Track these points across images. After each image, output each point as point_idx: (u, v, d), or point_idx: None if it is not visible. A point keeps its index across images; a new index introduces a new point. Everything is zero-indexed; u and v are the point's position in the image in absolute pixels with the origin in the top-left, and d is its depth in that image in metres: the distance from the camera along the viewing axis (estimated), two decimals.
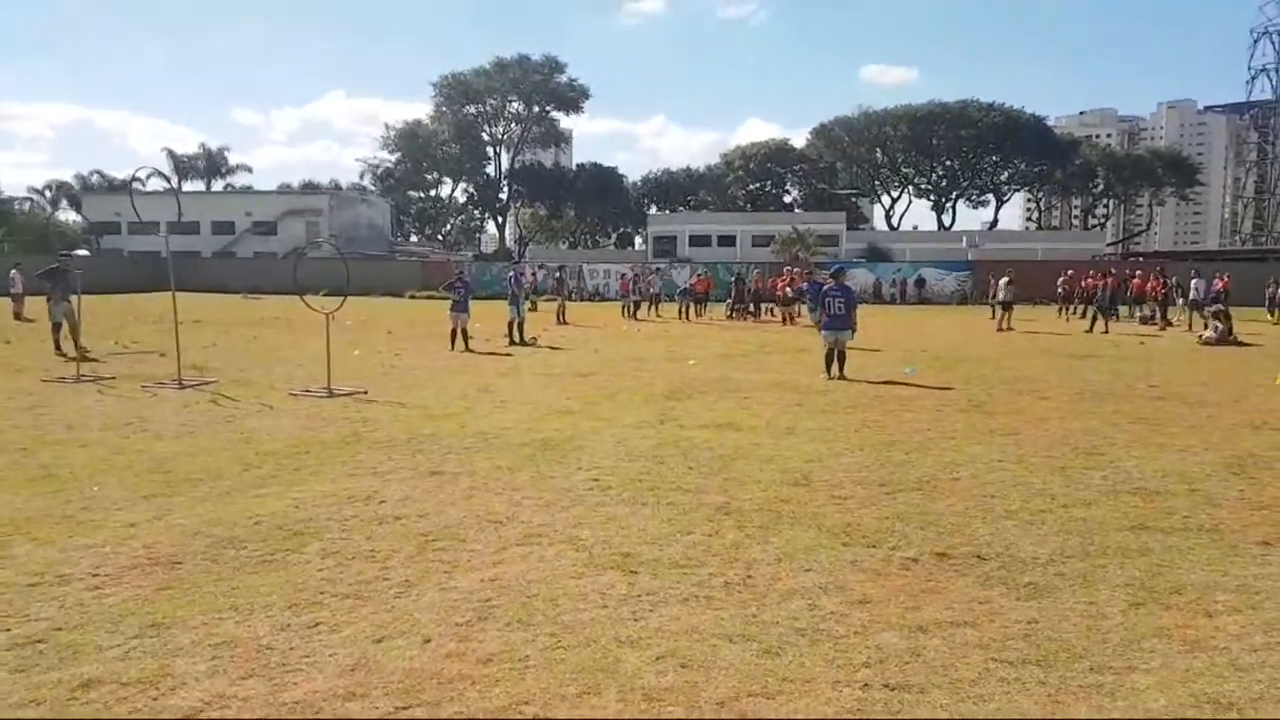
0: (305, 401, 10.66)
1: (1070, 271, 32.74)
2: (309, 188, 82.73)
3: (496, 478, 6.91)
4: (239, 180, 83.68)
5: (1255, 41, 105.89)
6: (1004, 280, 25.60)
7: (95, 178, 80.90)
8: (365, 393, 11.30)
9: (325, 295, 15.47)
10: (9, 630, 3.98)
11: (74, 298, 15.01)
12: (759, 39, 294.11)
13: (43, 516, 5.74)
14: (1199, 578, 4.80)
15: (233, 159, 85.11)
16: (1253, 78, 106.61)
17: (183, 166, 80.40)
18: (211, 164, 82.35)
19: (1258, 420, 9.81)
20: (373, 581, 4.63)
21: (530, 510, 6.00)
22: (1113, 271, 27.34)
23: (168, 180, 19.32)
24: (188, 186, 77.90)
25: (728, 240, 64.16)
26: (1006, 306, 24.97)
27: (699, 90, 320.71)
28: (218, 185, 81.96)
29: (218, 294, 40.25)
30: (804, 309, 26.06)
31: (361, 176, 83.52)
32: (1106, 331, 23.18)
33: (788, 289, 28.81)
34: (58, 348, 15.35)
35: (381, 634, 3.97)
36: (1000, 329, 24.07)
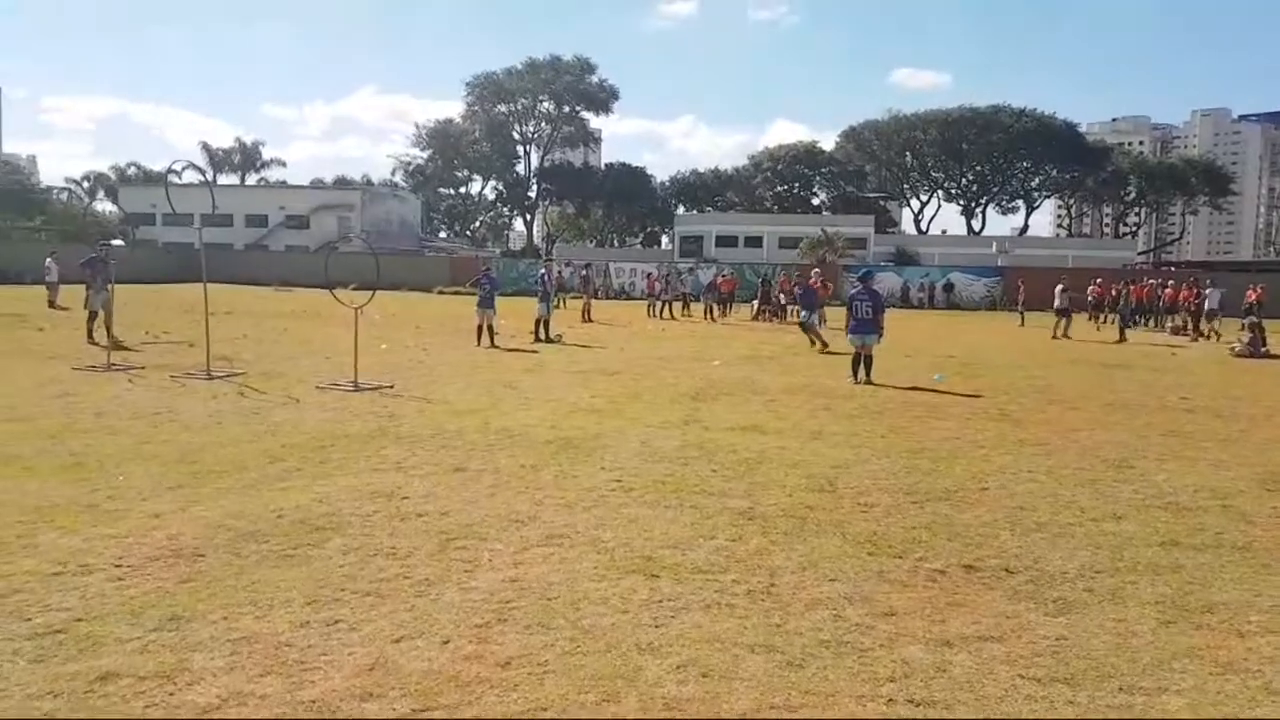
0: (332, 395, 10.72)
1: (1100, 280, 32.29)
2: (341, 183, 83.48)
3: (520, 476, 6.90)
4: (273, 174, 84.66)
5: None
6: (1059, 288, 25.14)
7: (132, 170, 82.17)
8: (391, 387, 11.35)
9: (355, 289, 15.58)
10: (30, 620, 4.00)
11: (110, 287, 15.23)
12: (789, 41, 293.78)
13: (69, 504, 5.79)
14: (1231, 596, 4.68)
15: (267, 154, 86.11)
16: None
17: (218, 160, 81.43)
18: (246, 158, 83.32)
19: None
20: (393, 579, 4.62)
21: (553, 510, 5.98)
22: (1133, 282, 26.98)
23: (203, 173, 19.54)
24: (223, 180, 78.89)
25: (754, 241, 63.93)
26: (1063, 314, 24.45)
27: (728, 91, 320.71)
28: (252, 179, 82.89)
29: (249, 286, 40.70)
30: (800, 311, 26.08)
31: (393, 173, 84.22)
32: (1122, 340, 22.86)
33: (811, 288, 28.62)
34: (90, 336, 15.57)
35: (400, 633, 3.95)
36: (1055, 336, 23.69)
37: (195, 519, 5.56)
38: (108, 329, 14.74)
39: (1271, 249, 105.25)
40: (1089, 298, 31.25)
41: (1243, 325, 21.14)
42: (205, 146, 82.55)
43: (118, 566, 4.70)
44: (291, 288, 40.71)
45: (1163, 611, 4.45)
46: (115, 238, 63.14)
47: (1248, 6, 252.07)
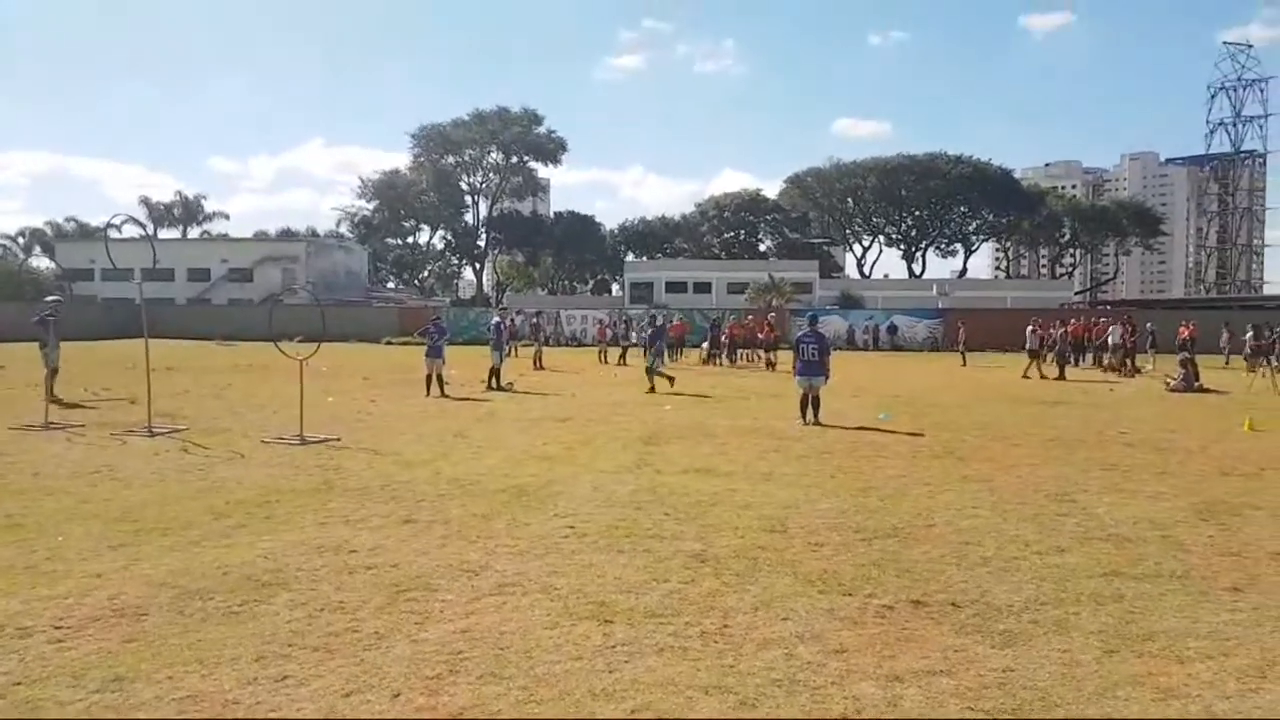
0: (277, 449, 10.54)
1: (1040, 320, 33.21)
2: (286, 235, 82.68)
3: (471, 525, 6.84)
4: (215, 228, 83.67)
5: (1212, 96, 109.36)
6: (1029, 328, 25.47)
7: (70, 225, 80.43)
8: (338, 440, 11.19)
9: (300, 341, 15.36)
10: None
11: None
12: (734, 92, 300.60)
13: (6, 567, 5.60)
14: (1171, 624, 4.83)
15: (210, 206, 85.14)
16: (1211, 131, 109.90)
17: (159, 214, 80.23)
18: (188, 211, 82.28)
19: (1226, 466, 9.95)
20: (342, 633, 4.54)
21: (505, 559, 5.94)
22: (1071, 321, 27.81)
23: (143, 227, 19.23)
24: (164, 234, 77.65)
25: (704, 287, 64.79)
26: (1034, 354, 24.70)
27: (676, 141, 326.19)
28: (194, 232, 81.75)
29: (192, 341, 39.88)
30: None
31: (338, 225, 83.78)
32: (1061, 377, 23.44)
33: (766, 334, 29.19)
34: (50, 392, 15.15)
35: (350, 687, 3.89)
36: (1025, 375, 23.93)
37: (138, 578, 5.41)
38: (49, 386, 14.35)
39: (1201, 287, 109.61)
40: (1047, 339, 31.97)
41: (1177, 361, 21.91)
42: (145, 200, 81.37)
43: (58, 628, 4.55)
44: (235, 342, 39.98)
45: (1105, 641, 4.57)
46: (52, 294, 61.54)
47: (1171, 55, 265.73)
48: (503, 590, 5.27)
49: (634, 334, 32.25)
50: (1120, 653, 4.41)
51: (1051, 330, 25.92)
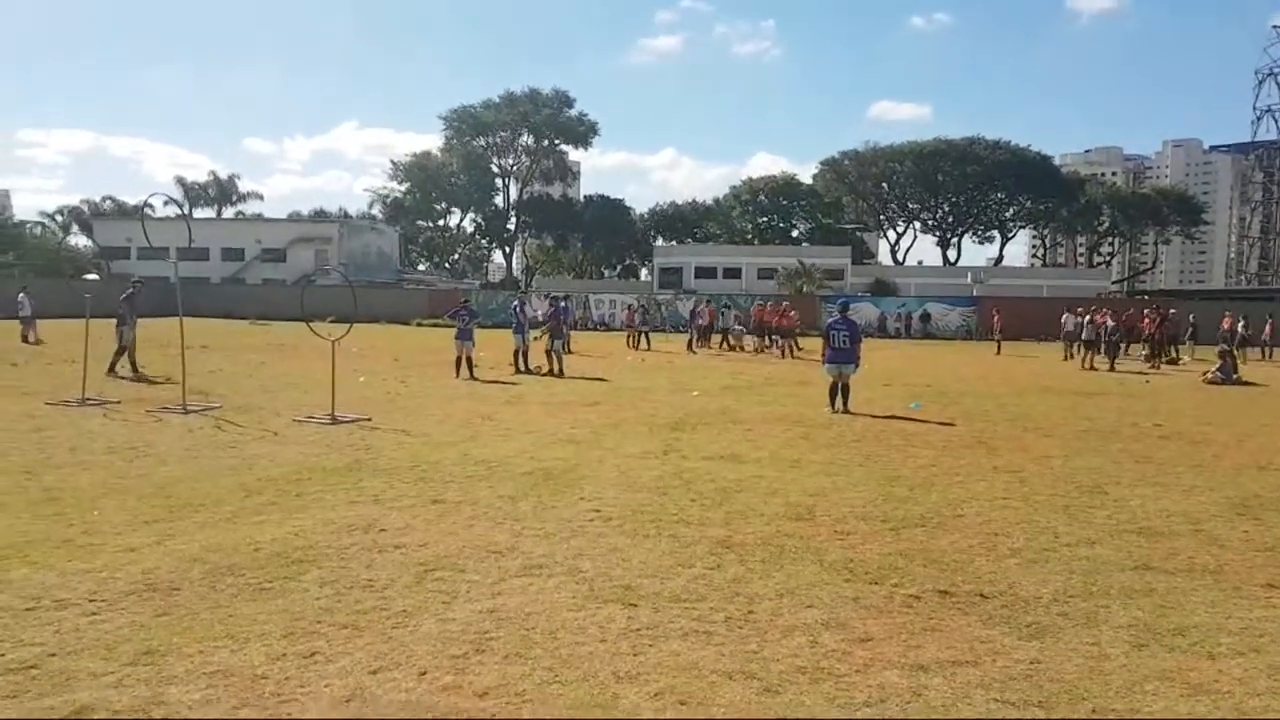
0: (309, 428, 10.67)
1: (1080, 309, 32.64)
2: (319, 216, 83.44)
3: (498, 507, 6.89)
4: (250, 208, 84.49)
5: (1260, 83, 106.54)
6: (1086, 319, 25.15)
7: (108, 204, 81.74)
8: (369, 420, 11.31)
9: (332, 322, 15.51)
10: (3, 655, 3.96)
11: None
12: (772, 74, 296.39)
13: (43, 540, 5.73)
14: (1202, 619, 4.75)
15: (244, 187, 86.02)
16: (1258, 118, 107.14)
17: (194, 194, 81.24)
18: (222, 191, 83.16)
19: (1263, 461, 9.75)
20: (370, 611, 4.60)
21: (531, 541, 5.98)
22: (1123, 312, 27.25)
23: (179, 206, 19.52)
24: (198, 213, 78.68)
25: (733, 272, 64.41)
26: (1091, 345, 24.34)
27: (711, 124, 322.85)
28: (228, 213, 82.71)
29: (226, 320, 40.46)
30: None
31: (370, 206, 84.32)
32: (1113, 369, 23.09)
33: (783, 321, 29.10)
34: (113, 369, 16.13)
35: (378, 665, 3.94)
36: (1087, 367, 23.64)
37: (171, 553, 5.52)
38: (113, 363, 15.85)
39: (1243, 277, 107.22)
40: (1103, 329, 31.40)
41: (1217, 353, 21.48)
42: (181, 180, 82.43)
43: (92, 601, 4.66)
44: (268, 321, 40.51)
45: (1135, 635, 4.51)
46: (88, 272, 62.65)
47: (1217, 40, 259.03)
48: (529, 572, 5.31)
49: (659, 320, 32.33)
50: (1150, 647, 4.35)
51: (1107, 321, 25.34)
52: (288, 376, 17.06)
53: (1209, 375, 20.49)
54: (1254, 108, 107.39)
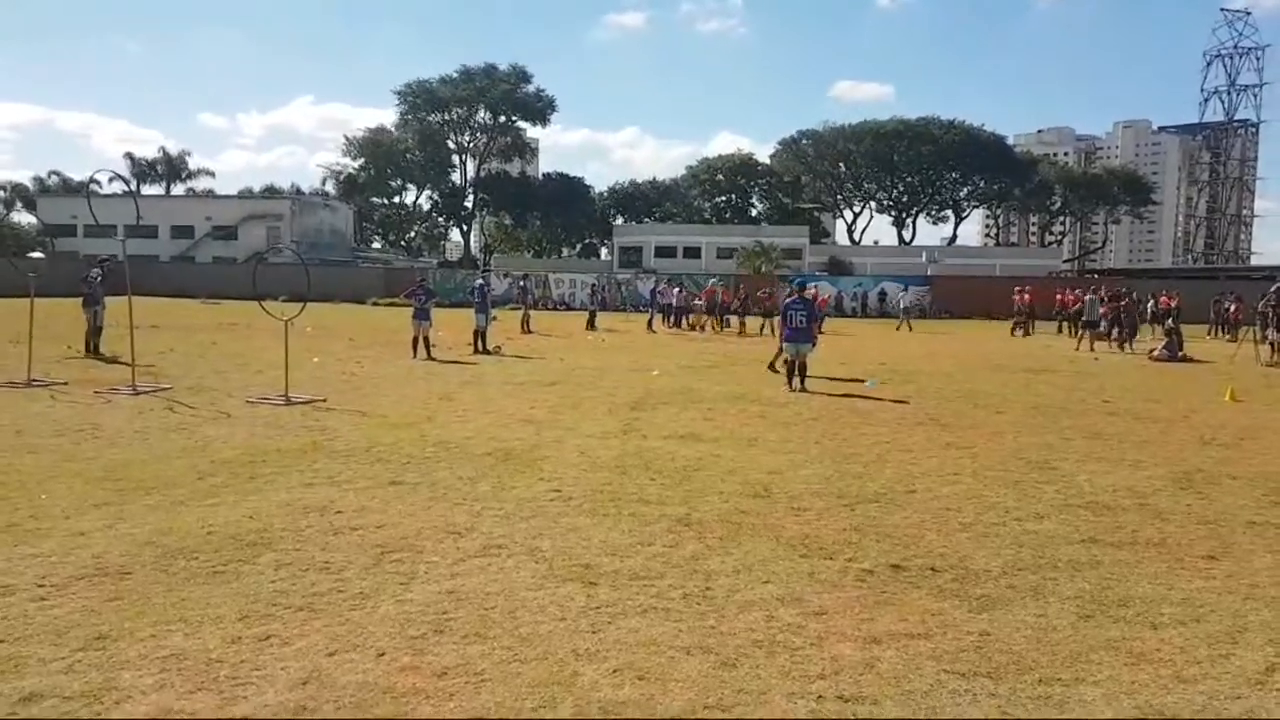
0: (262, 409, 10.51)
1: (1030, 288, 33.25)
2: (271, 192, 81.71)
3: (457, 488, 6.86)
4: (200, 184, 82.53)
5: (1208, 64, 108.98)
6: (1089, 298, 25.18)
7: (54, 179, 79.16)
8: (324, 401, 11.16)
9: (285, 301, 15.25)
10: None
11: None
12: (736, 53, 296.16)
13: None
14: (1146, 591, 4.91)
15: (197, 163, 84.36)
16: (1205, 100, 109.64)
17: (143, 170, 79.01)
18: (172, 168, 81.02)
19: (1206, 436, 10.07)
20: (327, 593, 4.57)
21: (490, 521, 5.97)
22: (1074, 290, 27.61)
23: (126, 183, 18.94)
24: (147, 190, 76.57)
25: (693, 252, 64.62)
26: (1092, 326, 24.23)
27: (674, 103, 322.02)
28: (178, 189, 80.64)
29: (176, 299, 39.55)
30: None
31: (324, 182, 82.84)
32: (1092, 349, 23.06)
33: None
34: (94, 350, 15.96)
35: (334, 647, 3.92)
36: (1090, 350, 23.30)
37: (122, 536, 5.41)
38: (91, 343, 15.84)
39: (1190, 256, 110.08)
40: (1015, 305, 31.95)
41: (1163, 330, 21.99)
42: (130, 156, 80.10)
43: (41, 586, 4.56)
44: (220, 300, 39.69)
45: (1081, 606, 4.64)
46: (33, 250, 60.70)
47: (1168, 22, 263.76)
48: (488, 552, 5.30)
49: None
50: (1095, 618, 4.49)
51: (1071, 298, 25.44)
52: (240, 357, 16.75)
53: (1155, 353, 21.06)
54: (1202, 89, 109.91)
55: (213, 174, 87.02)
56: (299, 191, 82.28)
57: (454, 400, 11.74)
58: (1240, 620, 4.49)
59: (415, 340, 17.52)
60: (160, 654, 3.79)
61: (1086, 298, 25.48)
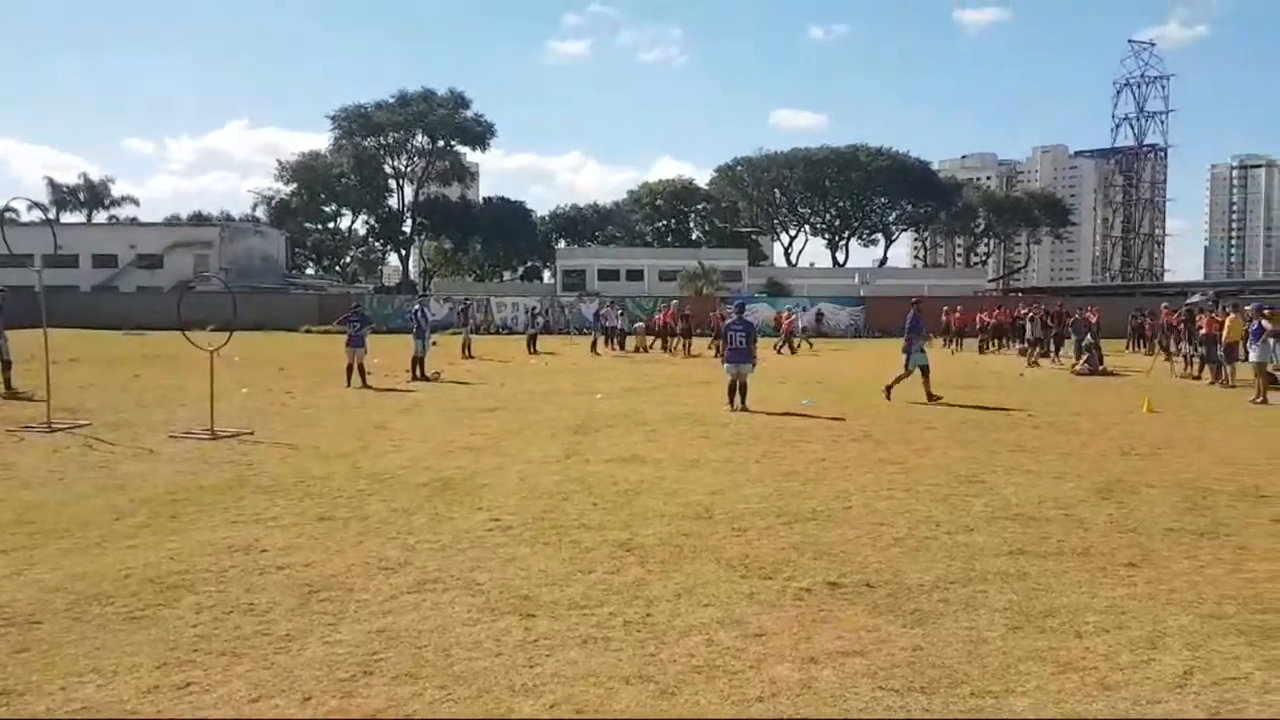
0: (186, 444, 10.16)
1: (960, 308, 34.19)
2: (198, 219, 79.68)
3: (390, 521, 6.71)
4: (124, 212, 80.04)
5: (1118, 92, 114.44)
6: (1030, 315, 25.87)
7: None
8: (252, 434, 10.85)
9: (213, 331, 14.80)
10: None
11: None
12: (677, 81, 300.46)
13: None
14: (1071, 600, 5.03)
15: (121, 190, 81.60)
16: (1117, 126, 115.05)
17: (63, 197, 76.35)
18: (94, 195, 78.54)
19: (1126, 447, 10.42)
20: (251, 636, 4.40)
21: (425, 555, 5.84)
22: (999, 307, 28.45)
23: (44, 210, 18.21)
24: (68, 218, 74.00)
25: (636, 274, 65.00)
26: (1036, 343, 24.91)
27: (617, 129, 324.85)
28: (100, 217, 78.08)
29: (97, 330, 38.15)
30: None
31: (254, 208, 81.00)
32: (1036, 364, 23.67)
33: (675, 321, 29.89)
34: (9, 386, 14.95)
35: (258, 693, 3.77)
36: (1032, 363, 24.03)
37: (31, 583, 5.15)
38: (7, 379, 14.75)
39: (1107, 275, 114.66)
40: (944, 323, 32.81)
41: (1083, 347, 22.76)
42: (50, 182, 77.36)
43: None
44: (143, 331, 38.39)
45: (1010, 618, 4.74)
46: None
47: (1090, 52, 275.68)
48: (422, 587, 5.18)
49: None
50: (1024, 629, 4.58)
51: (997, 315, 26.24)
52: (164, 390, 16.20)
53: (1077, 367, 21.79)
54: (1113, 116, 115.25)
55: (137, 201, 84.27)
56: (229, 218, 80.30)
57: (389, 429, 11.52)
58: (1160, 626, 4.63)
59: (349, 368, 17.18)
60: (70, 707, 3.61)
61: (1029, 317, 26.25)
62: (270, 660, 4.12)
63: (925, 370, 15.10)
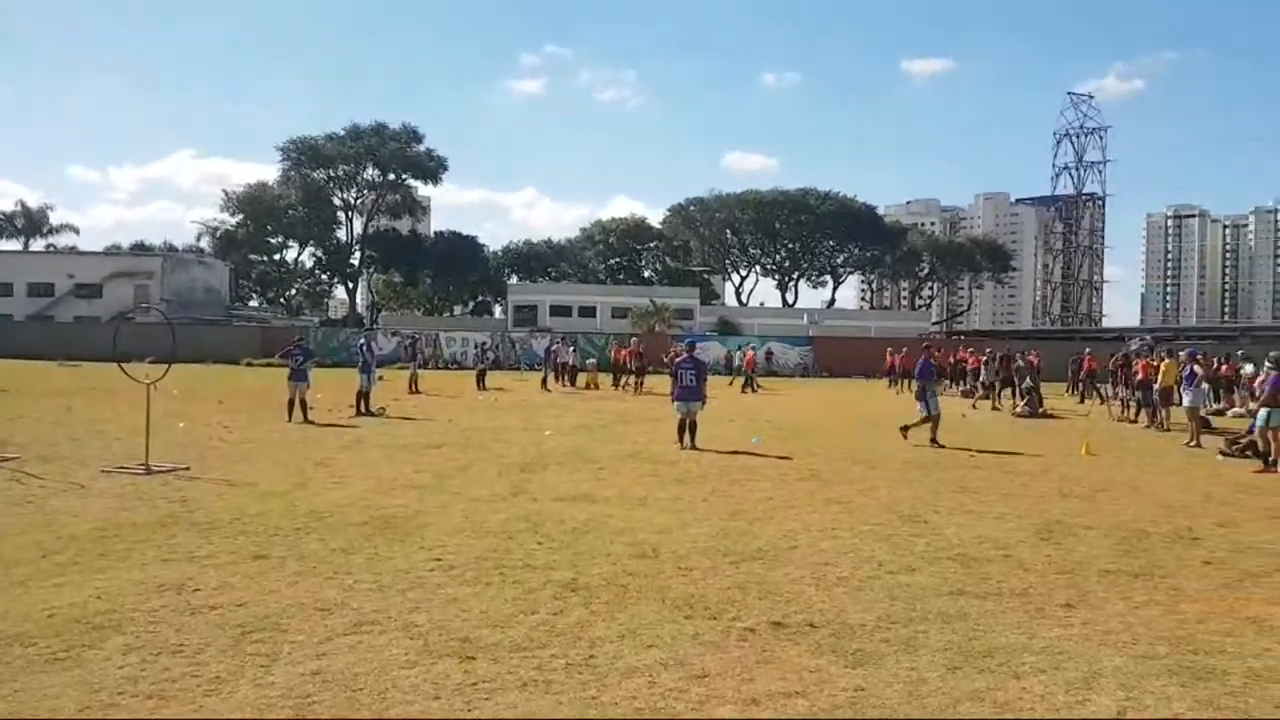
0: (119, 479, 9.83)
1: (905, 349, 34.83)
2: (140, 249, 77.89)
3: (328, 560, 6.55)
4: (63, 240, 77.89)
5: (1058, 142, 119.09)
6: (983, 359, 25.79)
7: None
8: (188, 469, 10.54)
9: (151, 363, 14.40)
10: None
11: None
12: (632, 122, 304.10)
13: None
14: (1009, 640, 5.11)
15: (61, 218, 79.34)
16: (1057, 175, 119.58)
17: None
18: (31, 222, 76.26)
19: (1065, 488, 10.67)
20: (180, 679, 4.24)
21: (363, 595, 5.71)
22: (939, 349, 28.97)
23: None
24: (3, 245, 71.83)
25: (588, 311, 65.10)
26: (990, 387, 24.76)
27: (571, 166, 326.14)
28: (38, 245, 75.88)
29: (31, 360, 36.91)
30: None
31: (199, 239, 79.48)
32: (996, 408, 23.76)
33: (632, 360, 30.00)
34: None
35: None
36: (994, 408, 23.93)
37: None
38: None
39: (1048, 319, 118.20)
40: (889, 365, 33.41)
41: (1021, 388, 23.31)
42: None
43: None
44: (79, 362, 37.21)
45: (950, 658, 4.79)
46: None
47: (1031, 102, 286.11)
48: (359, 629, 5.06)
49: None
50: (963, 669, 4.63)
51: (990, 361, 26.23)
52: (98, 423, 15.69)
53: (1018, 409, 22.30)
54: (1053, 165, 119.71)
55: (77, 230, 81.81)
56: (172, 248, 78.59)
57: (330, 465, 11.29)
58: (1095, 666, 4.72)
59: (291, 402, 16.83)
60: None
61: (983, 360, 26.46)
62: (199, 704, 3.97)
63: (937, 418, 15.26)
